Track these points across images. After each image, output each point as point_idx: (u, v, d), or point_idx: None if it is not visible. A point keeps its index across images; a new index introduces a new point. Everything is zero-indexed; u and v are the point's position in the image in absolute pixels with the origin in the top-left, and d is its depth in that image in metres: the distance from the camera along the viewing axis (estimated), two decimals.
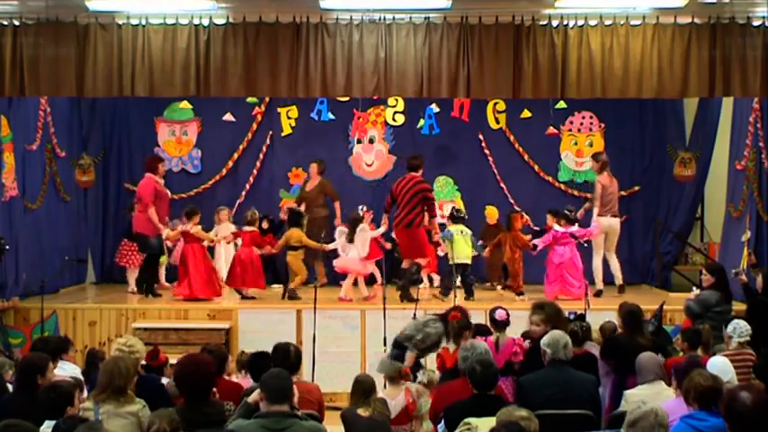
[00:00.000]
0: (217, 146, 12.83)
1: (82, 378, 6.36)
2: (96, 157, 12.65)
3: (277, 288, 11.24)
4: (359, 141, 12.88)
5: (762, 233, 10.42)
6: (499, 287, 11.42)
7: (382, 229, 10.85)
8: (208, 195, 12.64)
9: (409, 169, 10.54)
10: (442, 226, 10.75)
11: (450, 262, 10.61)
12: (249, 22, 9.14)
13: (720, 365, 5.72)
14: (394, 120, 12.84)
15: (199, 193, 12.73)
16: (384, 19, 9.12)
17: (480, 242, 11.17)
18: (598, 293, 10.63)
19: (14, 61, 9.12)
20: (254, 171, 12.82)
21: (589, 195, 11.86)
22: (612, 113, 12.59)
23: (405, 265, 10.51)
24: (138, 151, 12.89)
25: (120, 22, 9.13)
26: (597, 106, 12.45)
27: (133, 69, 9.14)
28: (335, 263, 10.87)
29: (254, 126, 12.84)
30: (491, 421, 4.46)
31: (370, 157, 12.88)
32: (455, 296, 9.54)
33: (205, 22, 9.14)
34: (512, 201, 12.57)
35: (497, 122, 12.78)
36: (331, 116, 12.44)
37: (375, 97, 10.68)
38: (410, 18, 9.14)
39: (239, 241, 11.00)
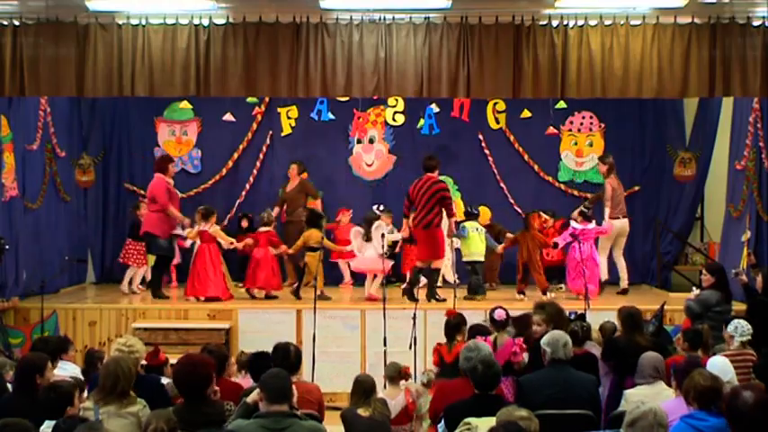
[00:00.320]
0: (217, 146, 12.83)
1: (82, 378, 6.35)
2: (96, 157, 12.65)
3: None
4: (359, 141, 12.88)
5: (762, 233, 10.43)
6: (518, 294, 11.10)
7: (399, 236, 10.84)
8: (208, 195, 12.62)
9: (426, 170, 10.48)
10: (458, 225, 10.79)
11: (464, 259, 10.73)
12: (249, 22, 9.14)
13: (720, 365, 5.72)
14: (394, 120, 12.85)
15: (199, 193, 12.73)
16: (384, 19, 9.12)
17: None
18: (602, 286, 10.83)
19: (14, 61, 9.12)
20: (254, 171, 12.83)
21: (589, 195, 11.88)
22: (612, 113, 12.59)
23: (419, 264, 10.49)
24: (138, 151, 12.90)
25: (120, 22, 9.13)
26: (597, 106, 12.45)
27: (133, 69, 9.15)
28: (353, 263, 10.85)
29: (254, 126, 12.84)
30: (491, 421, 4.46)
31: (370, 157, 12.88)
32: (455, 296, 9.53)
33: (205, 22, 9.14)
34: (512, 201, 12.59)
35: (497, 122, 12.79)
36: (331, 116, 12.44)
37: (375, 97, 10.68)
38: (410, 18, 9.14)
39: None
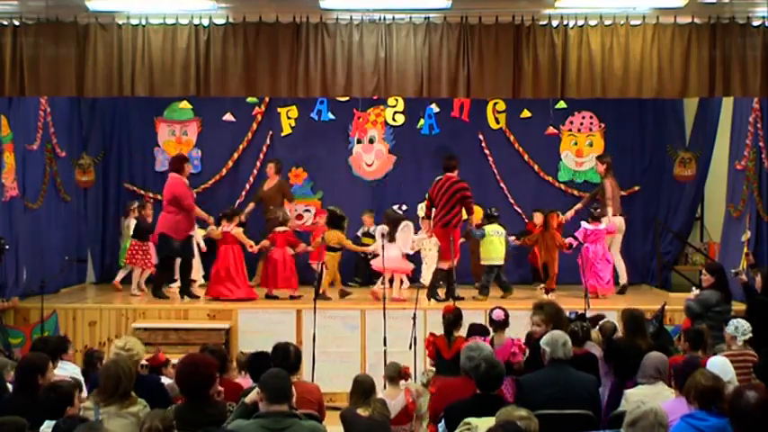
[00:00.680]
0: (217, 146, 12.83)
1: (82, 378, 6.36)
2: (96, 157, 12.64)
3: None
4: (359, 141, 12.88)
5: (762, 233, 10.43)
6: (545, 294, 10.99)
7: (422, 234, 10.90)
8: (208, 195, 12.61)
9: (445, 170, 10.52)
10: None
11: (482, 262, 10.78)
12: (249, 22, 9.14)
13: (720, 365, 5.71)
14: (394, 120, 12.84)
15: (199, 192, 12.68)
16: (384, 19, 9.12)
17: (513, 237, 11.16)
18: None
19: (14, 61, 9.13)
20: (254, 171, 12.82)
21: (586, 195, 11.91)
22: (612, 113, 12.59)
23: (441, 265, 10.49)
24: (138, 151, 12.91)
25: (120, 22, 9.13)
26: (597, 106, 12.45)
27: (133, 69, 9.15)
28: (374, 263, 10.88)
29: (254, 126, 12.84)
30: (491, 421, 4.46)
31: (370, 157, 12.88)
32: (447, 297, 9.53)
33: (205, 22, 9.14)
34: (512, 201, 12.58)
35: (497, 122, 12.79)
36: (331, 116, 12.44)
37: (375, 97, 10.68)
38: (410, 18, 9.14)
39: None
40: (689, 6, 8.84)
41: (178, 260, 10.75)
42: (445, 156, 10.80)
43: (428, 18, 9.13)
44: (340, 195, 12.37)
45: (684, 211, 12.56)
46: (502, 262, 10.84)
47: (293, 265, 10.70)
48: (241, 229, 10.83)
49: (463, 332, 7.09)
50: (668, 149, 12.54)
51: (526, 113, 12.16)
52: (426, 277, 11.06)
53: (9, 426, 4.42)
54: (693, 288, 8.91)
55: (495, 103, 12.65)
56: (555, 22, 9.14)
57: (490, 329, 7.07)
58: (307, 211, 12.81)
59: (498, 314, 7.12)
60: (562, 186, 12.74)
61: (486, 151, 12.73)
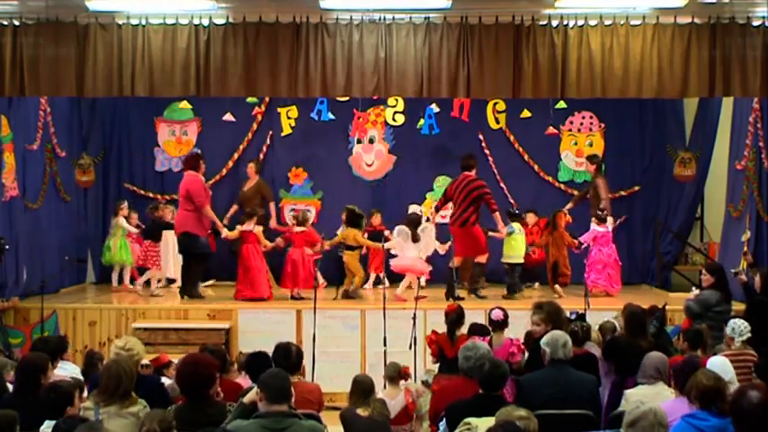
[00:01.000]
0: (217, 146, 12.82)
1: (82, 378, 6.35)
2: (96, 157, 12.64)
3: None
4: (359, 141, 12.88)
5: (762, 233, 10.43)
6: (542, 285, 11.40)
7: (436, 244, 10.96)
8: None
9: (463, 169, 10.66)
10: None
11: (503, 260, 10.89)
12: (249, 22, 9.14)
13: (720, 365, 5.71)
14: (394, 120, 12.84)
15: None
16: (384, 19, 9.12)
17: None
18: None
19: (14, 61, 9.12)
20: None
21: (576, 193, 12.00)
22: (612, 113, 12.59)
23: (456, 263, 10.55)
24: (138, 151, 12.91)
25: (120, 22, 9.13)
26: (597, 106, 12.45)
27: (133, 69, 9.15)
28: (393, 263, 10.89)
29: (254, 126, 12.83)
30: (491, 421, 4.46)
31: (370, 157, 12.88)
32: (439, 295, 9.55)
33: (205, 22, 9.14)
34: (512, 201, 12.58)
35: (497, 122, 12.79)
36: (331, 116, 12.43)
37: (375, 97, 10.68)
38: (410, 18, 9.14)
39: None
40: (689, 6, 8.84)
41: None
42: (464, 155, 10.95)
43: (428, 18, 9.13)
44: (340, 195, 12.36)
45: (684, 211, 12.56)
46: (521, 260, 10.96)
47: (313, 264, 10.72)
48: (261, 228, 10.84)
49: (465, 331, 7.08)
50: (668, 149, 12.54)
51: (526, 113, 12.16)
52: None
53: (0, 420, 4.43)
54: (693, 288, 8.91)
55: (495, 103, 12.65)
56: (555, 22, 9.14)
57: (490, 329, 7.07)
58: (307, 211, 12.80)
59: (497, 314, 7.12)
60: (562, 186, 12.74)
61: (486, 151, 12.72)
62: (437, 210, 10.99)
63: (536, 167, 12.77)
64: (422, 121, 12.61)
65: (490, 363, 5.34)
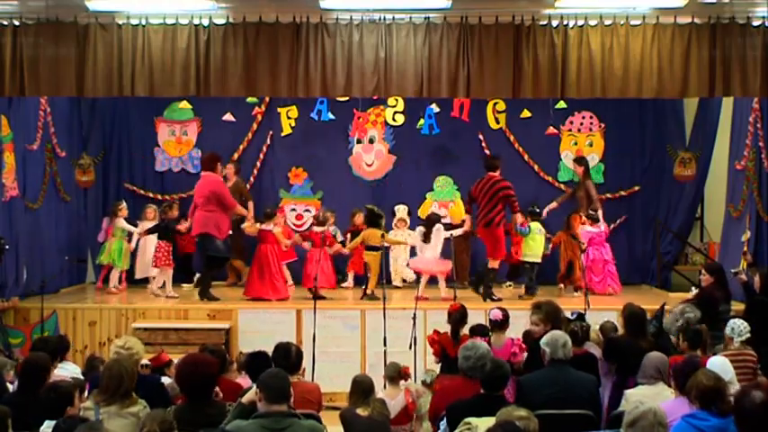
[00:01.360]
0: (217, 146, 12.74)
1: (82, 378, 6.35)
2: (96, 157, 12.64)
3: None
4: (359, 141, 12.88)
5: (762, 233, 10.44)
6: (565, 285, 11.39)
7: (459, 231, 11.08)
8: None
9: (488, 169, 10.69)
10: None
11: (522, 259, 11.00)
12: (249, 22, 9.14)
13: (720, 365, 5.71)
14: (394, 120, 12.84)
15: None
16: (384, 19, 9.13)
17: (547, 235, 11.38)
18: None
19: (14, 61, 9.13)
20: (254, 171, 12.82)
21: (567, 191, 12.11)
22: (612, 113, 12.59)
23: (491, 264, 10.58)
24: (138, 151, 12.90)
25: (120, 22, 9.13)
26: (597, 106, 12.45)
27: (133, 69, 9.15)
28: (411, 263, 10.87)
29: (254, 126, 12.83)
30: (491, 421, 4.46)
31: (370, 157, 12.88)
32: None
33: (205, 22, 9.15)
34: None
35: (497, 122, 12.79)
36: (331, 116, 12.43)
37: (375, 97, 10.67)
38: (410, 18, 9.14)
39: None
40: (689, 6, 8.84)
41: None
42: (489, 155, 11.08)
43: (428, 18, 9.13)
44: (340, 195, 12.37)
45: (684, 211, 12.56)
46: (539, 260, 11.02)
47: (331, 263, 10.70)
48: (280, 229, 10.82)
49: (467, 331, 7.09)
50: (668, 149, 12.54)
51: (526, 113, 12.16)
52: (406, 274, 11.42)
53: None
54: (693, 288, 8.91)
55: (495, 103, 12.65)
56: (555, 22, 9.14)
57: (489, 329, 7.07)
58: (307, 211, 12.80)
59: (496, 314, 7.12)
60: (562, 186, 12.72)
61: (486, 151, 12.71)
62: (467, 213, 10.96)
63: (536, 167, 12.77)
64: (422, 121, 12.61)
65: (492, 363, 5.34)
